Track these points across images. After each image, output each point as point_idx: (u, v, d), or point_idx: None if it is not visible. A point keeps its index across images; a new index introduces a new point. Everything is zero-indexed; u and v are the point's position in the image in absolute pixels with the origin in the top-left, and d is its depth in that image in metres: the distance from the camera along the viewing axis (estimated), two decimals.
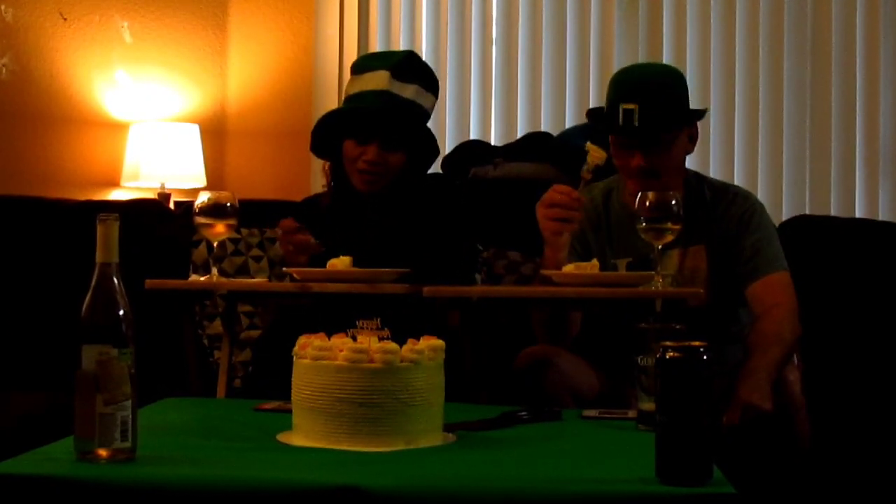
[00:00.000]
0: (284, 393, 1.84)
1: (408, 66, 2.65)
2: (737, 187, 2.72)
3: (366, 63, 2.69)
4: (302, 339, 1.80)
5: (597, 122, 2.60)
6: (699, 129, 2.62)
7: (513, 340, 2.63)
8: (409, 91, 2.61)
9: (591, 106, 3.96)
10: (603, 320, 2.55)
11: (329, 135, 2.67)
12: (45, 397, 2.73)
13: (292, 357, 1.80)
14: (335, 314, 1.98)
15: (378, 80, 2.60)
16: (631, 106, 2.44)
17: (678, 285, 2.47)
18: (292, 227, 2.48)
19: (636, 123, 2.43)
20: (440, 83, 4.04)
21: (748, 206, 2.58)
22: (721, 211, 2.57)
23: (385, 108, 2.58)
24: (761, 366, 2.28)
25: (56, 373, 2.28)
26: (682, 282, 2.51)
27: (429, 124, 2.62)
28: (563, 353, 2.47)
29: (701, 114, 2.60)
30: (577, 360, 2.49)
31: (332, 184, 2.76)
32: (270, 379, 2.51)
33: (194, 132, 3.94)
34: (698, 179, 2.64)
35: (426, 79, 2.67)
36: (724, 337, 2.45)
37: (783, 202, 3.88)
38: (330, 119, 2.67)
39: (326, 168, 2.79)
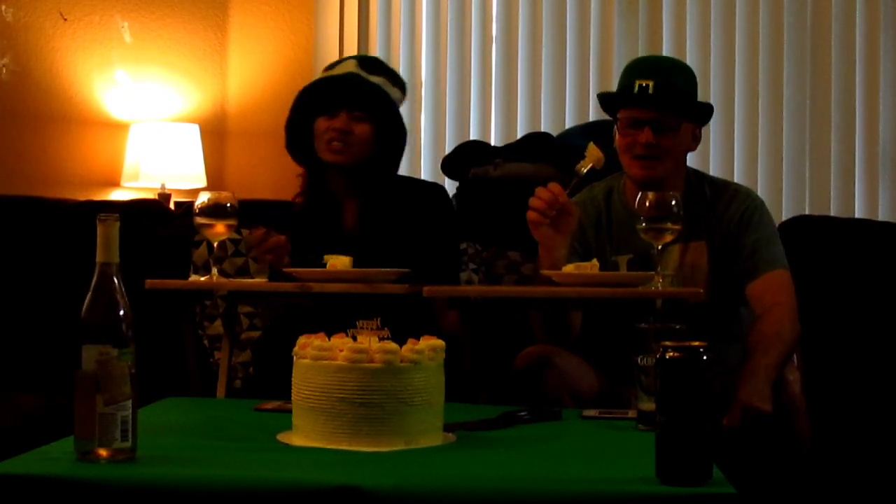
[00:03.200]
0: (285, 393, 1.84)
1: (376, 61, 2.79)
2: (737, 185, 2.72)
3: (338, 60, 2.84)
4: (302, 340, 1.80)
5: (608, 101, 2.62)
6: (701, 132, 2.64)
7: (513, 340, 2.63)
8: (375, 79, 2.70)
9: (590, 106, 3.98)
10: (603, 320, 2.55)
11: (300, 123, 2.73)
12: (45, 397, 2.73)
13: (292, 357, 1.80)
14: (334, 314, 1.98)
15: (345, 67, 2.73)
16: (647, 82, 2.50)
17: (678, 281, 2.48)
18: (259, 237, 2.49)
19: (650, 95, 2.48)
20: (440, 83, 4.05)
21: (749, 204, 2.58)
22: (722, 208, 2.58)
23: (352, 78, 2.68)
24: (761, 367, 2.28)
25: (56, 373, 2.28)
26: (683, 278, 2.51)
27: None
28: (563, 353, 2.47)
29: (708, 112, 2.62)
30: (577, 360, 2.49)
31: (307, 191, 2.79)
32: (271, 379, 2.52)
33: (194, 132, 3.94)
34: (698, 177, 2.65)
35: (393, 76, 2.77)
36: (724, 335, 2.45)
37: (783, 202, 3.87)
38: (301, 101, 2.74)
39: (301, 175, 2.83)
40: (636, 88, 2.51)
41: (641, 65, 2.64)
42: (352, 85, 2.67)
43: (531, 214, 2.37)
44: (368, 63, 2.75)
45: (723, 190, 2.62)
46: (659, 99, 2.49)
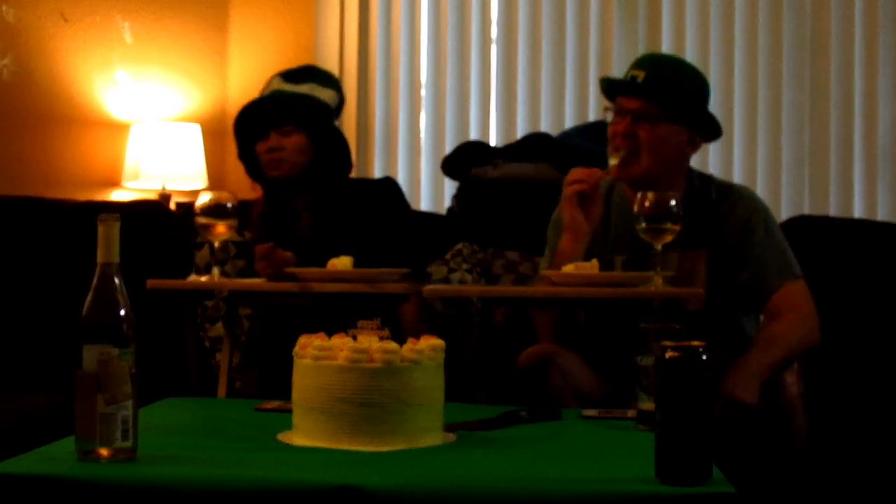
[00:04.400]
0: (278, 393, 1.84)
1: (302, 71, 2.90)
2: (741, 188, 2.68)
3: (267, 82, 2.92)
4: (302, 339, 1.80)
5: (605, 83, 2.62)
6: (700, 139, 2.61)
7: (515, 340, 2.63)
8: (301, 88, 2.81)
9: (590, 106, 3.99)
10: (603, 320, 2.55)
11: (245, 152, 2.86)
12: (45, 397, 2.73)
13: (282, 355, 1.80)
14: (333, 314, 1.99)
15: (270, 85, 2.86)
16: (640, 73, 2.51)
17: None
18: (265, 251, 2.52)
19: (638, 84, 2.48)
20: (440, 83, 4.05)
21: (753, 210, 2.54)
22: (724, 213, 2.54)
23: (272, 96, 2.80)
24: (754, 361, 2.27)
25: (56, 373, 2.28)
26: (679, 285, 2.49)
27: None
28: (566, 352, 2.47)
29: (706, 120, 2.59)
30: (580, 359, 2.48)
31: (266, 206, 2.89)
32: (264, 379, 2.54)
33: (195, 132, 3.94)
34: (703, 180, 2.62)
35: (323, 79, 2.87)
36: (722, 343, 2.41)
37: (782, 202, 3.87)
38: (237, 133, 2.86)
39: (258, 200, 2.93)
40: (628, 78, 2.53)
41: (643, 58, 2.68)
42: (272, 104, 2.79)
43: (571, 188, 2.40)
44: (293, 75, 2.86)
45: (727, 192, 2.58)
46: (642, 88, 2.48)
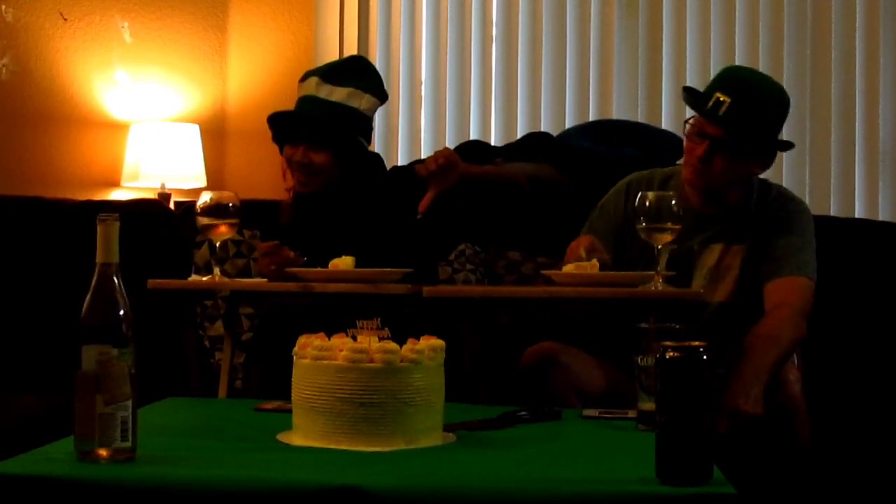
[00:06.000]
0: (282, 394, 1.84)
1: (342, 69, 2.78)
2: (796, 197, 2.67)
3: (307, 72, 2.82)
4: (302, 339, 1.80)
5: (689, 98, 2.56)
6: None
7: (514, 340, 2.63)
8: (338, 94, 2.71)
9: (590, 106, 3.98)
10: (603, 320, 2.54)
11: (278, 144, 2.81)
12: (45, 397, 2.73)
13: (283, 355, 1.80)
14: (333, 314, 1.99)
15: (308, 86, 2.75)
16: (726, 98, 2.44)
17: (710, 280, 2.48)
18: (268, 249, 2.50)
19: (720, 114, 2.43)
20: (440, 83, 4.05)
21: (793, 210, 2.57)
22: (772, 213, 2.57)
23: (301, 111, 2.71)
24: (751, 369, 2.26)
25: (56, 373, 2.28)
26: (715, 278, 2.50)
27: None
28: (570, 351, 2.46)
29: (783, 146, 2.60)
30: (585, 358, 2.48)
31: (293, 202, 2.85)
32: (266, 380, 2.53)
33: (194, 132, 3.94)
34: (762, 182, 2.63)
35: (365, 80, 2.76)
36: (740, 338, 2.41)
37: None
38: (272, 126, 2.80)
39: (285, 168, 2.86)
40: (712, 101, 2.45)
41: (732, 77, 2.56)
42: (305, 118, 2.71)
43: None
44: (333, 74, 2.75)
45: (783, 196, 2.61)
46: (726, 123, 2.44)
